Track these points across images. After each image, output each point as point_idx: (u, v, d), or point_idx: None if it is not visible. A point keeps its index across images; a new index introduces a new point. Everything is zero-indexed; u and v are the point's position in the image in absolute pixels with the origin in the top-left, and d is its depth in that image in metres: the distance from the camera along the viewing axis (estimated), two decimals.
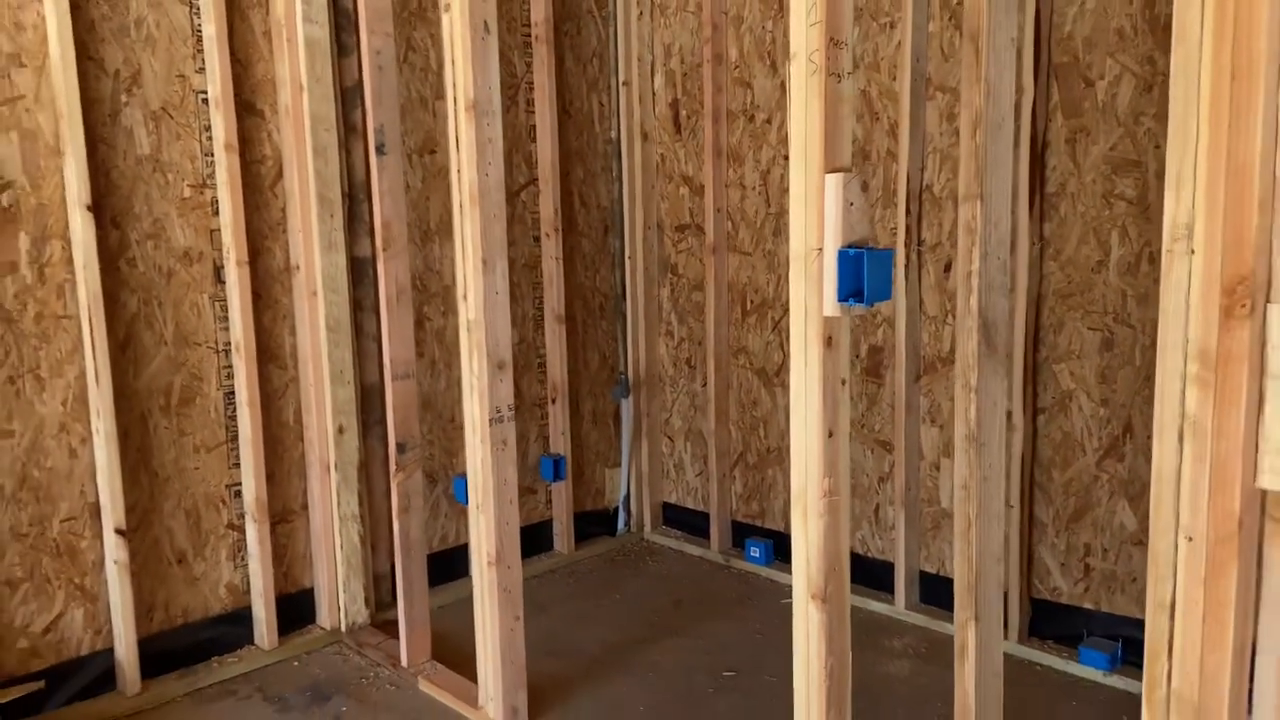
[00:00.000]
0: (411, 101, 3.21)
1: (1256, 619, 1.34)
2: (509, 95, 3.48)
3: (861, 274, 1.65)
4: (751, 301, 3.59)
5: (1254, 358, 1.24)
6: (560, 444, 3.67)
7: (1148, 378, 2.62)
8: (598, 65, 3.74)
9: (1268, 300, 1.24)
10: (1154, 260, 2.59)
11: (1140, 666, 2.65)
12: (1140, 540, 2.68)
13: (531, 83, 3.52)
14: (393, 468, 2.80)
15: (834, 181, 1.65)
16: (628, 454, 3.92)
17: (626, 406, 3.90)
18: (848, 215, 1.66)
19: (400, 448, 2.79)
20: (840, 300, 1.68)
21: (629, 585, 3.49)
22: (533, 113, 3.53)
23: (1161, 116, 2.53)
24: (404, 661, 2.82)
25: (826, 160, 1.66)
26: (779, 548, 3.54)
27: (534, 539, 3.69)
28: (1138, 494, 2.68)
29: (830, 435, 1.74)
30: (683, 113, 3.71)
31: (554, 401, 3.66)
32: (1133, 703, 2.57)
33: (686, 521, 3.90)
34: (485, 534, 2.48)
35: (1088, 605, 2.80)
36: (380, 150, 2.70)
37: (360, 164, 3.03)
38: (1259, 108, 1.20)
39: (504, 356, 2.45)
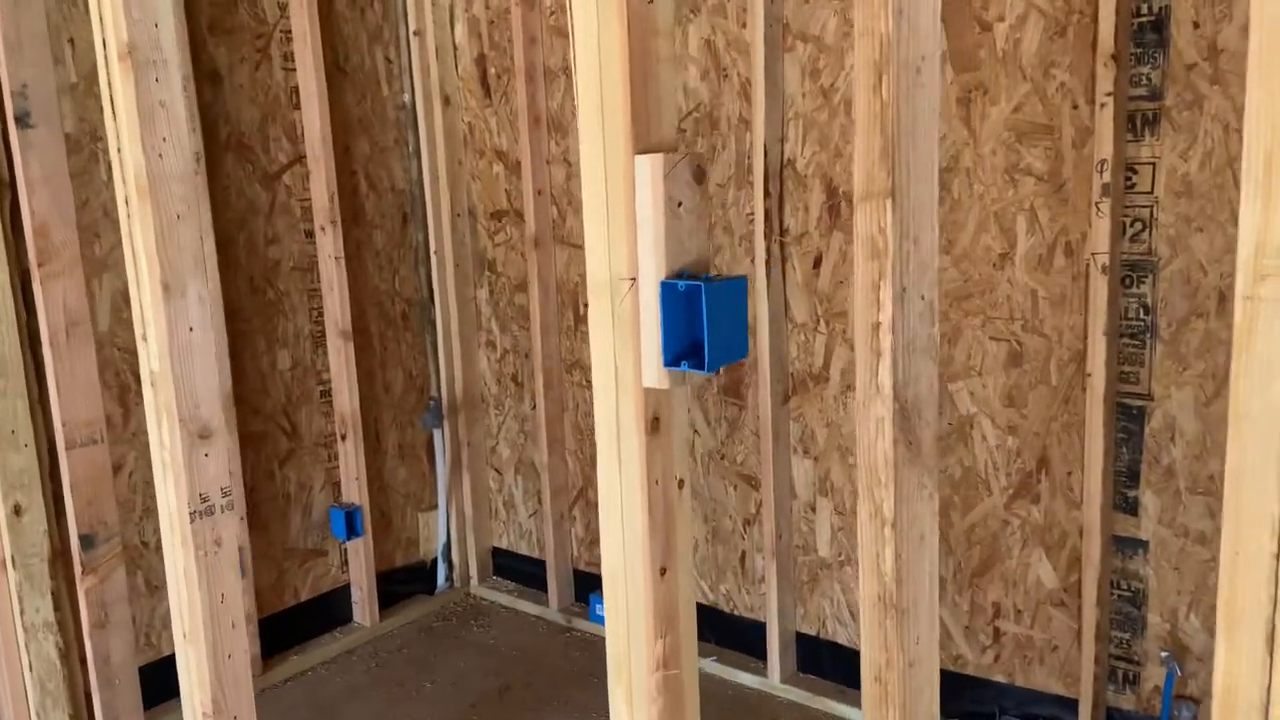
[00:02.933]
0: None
1: None
2: (258, 46, 2.67)
3: (700, 320, 1.00)
4: (585, 305, 2.92)
5: None
6: (355, 490, 2.92)
7: (1066, 400, 2.10)
8: (380, 10, 2.96)
9: None
10: (1070, 252, 2.06)
11: None
12: (1061, 601, 2.16)
13: (289, 31, 2.72)
14: (78, 569, 2.01)
15: (649, 167, 0.99)
16: (445, 493, 3.20)
17: (441, 436, 3.18)
18: (674, 224, 1.00)
19: (87, 541, 2.00)
20: (668, 364, 1.02)
21: (447, 665, 2.79)
22: (293, 69, 2.74)
23: (1078, 68, 1.98)
24: None
25: (636, 133, 1.00)
26: None
27: (327, 612, 2.94)
28: (1056, 543, 2.16)
29: (664, 573, 1.10)
30: (491, 70, 2.98)
31: (344, 438, 2.91)
32: None
33: (521, 570, 3.23)
34: (196, 675, 1.73)
35: (999, 678, 2.28)
36: (24, 121, 1.88)
37: None
38: None
39: (208, 420, 1.69)
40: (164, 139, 1.60)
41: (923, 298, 0.88)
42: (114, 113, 1.61)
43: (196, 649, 1.72)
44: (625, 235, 1.03)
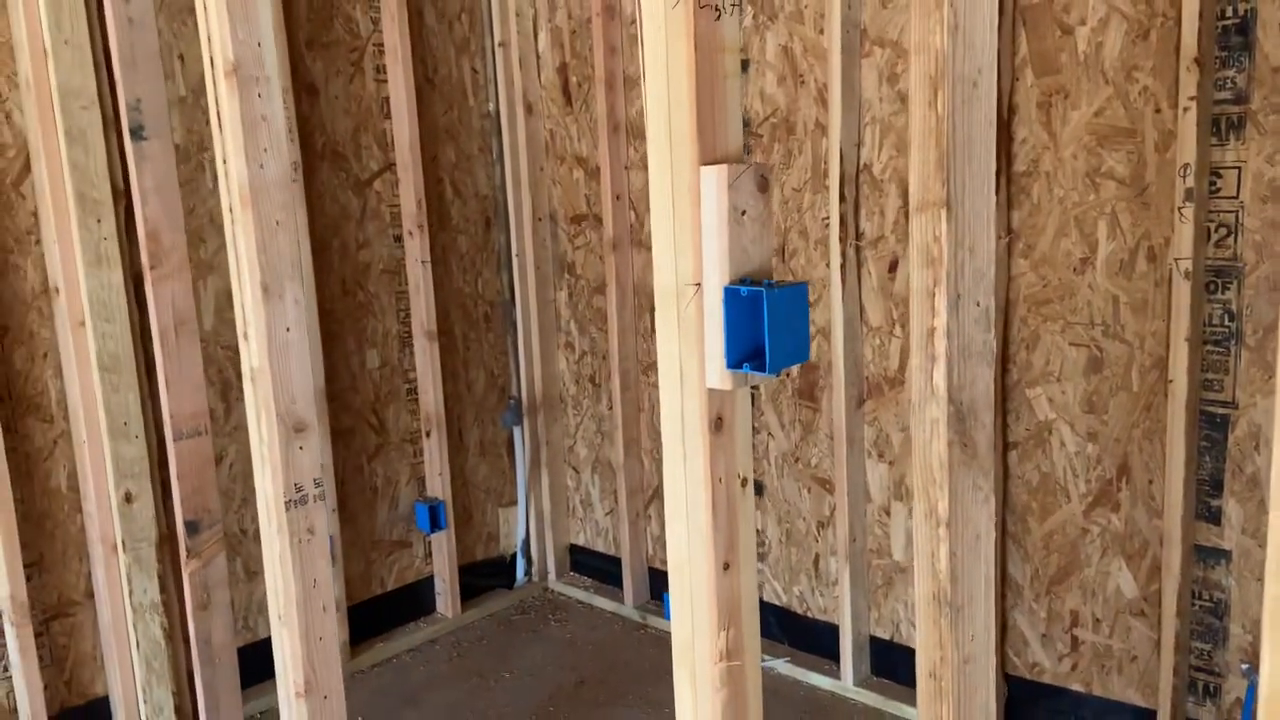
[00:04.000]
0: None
1: None
2: (352, 60, 2.80)
3: (761, 325, 1.04)
4: None
5: None
6: (438, 486, 3.03)
7: (1148, 407, 2.06)
8: (467, 22, 3.07)
9: None
10: (1153, 257, 2.02)
11: None
12: (1141, 610, 2.13)
13: (381, 44, 2.84)
14: (183, 554, 2.14)
15: (714, 179, 1.04)
16: (525, 490, 3.30)
17: (521, 434, 3.27)
18: (738, 232, 1.05)
19: (192, 527, 2.14)
20: (730, 366, 1.07)
21: (525, 657, 2.88)
22: (385, 81, 2.86)
23: (1161, 72, 1.95)
24: None
25: (702, 145, 1.05)
26: None
27: (411, 602, 3.06)
28: (1136, 552, 2.12)
29: (726, 568, 1.14)
30: (573, 79, 3.06)
31: (429, 435, 3.02)
32: None
33: (597, 567, 3.30)
34: (290, 656, 1.83)
35: (1076, 687, 2.25)
36: (138, 134, 2.02)
37: None
38: None
39: (304, 415, 1.80)
40: (265, 150, 1.71)
41: (978, 304, 0.91)
42: (220, 126, 1.72)
43: (290, 631, 1.83)
44: (691, 243, 1.08)
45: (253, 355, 1.77)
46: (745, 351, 1.07)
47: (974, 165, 0.88)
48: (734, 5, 1.06)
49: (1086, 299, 2.12)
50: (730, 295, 1.05)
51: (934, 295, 0.88)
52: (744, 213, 1.05)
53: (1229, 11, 1.84)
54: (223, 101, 1.70)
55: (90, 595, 2.41)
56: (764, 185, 1.07)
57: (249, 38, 1.67)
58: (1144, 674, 2.14)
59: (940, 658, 0.92)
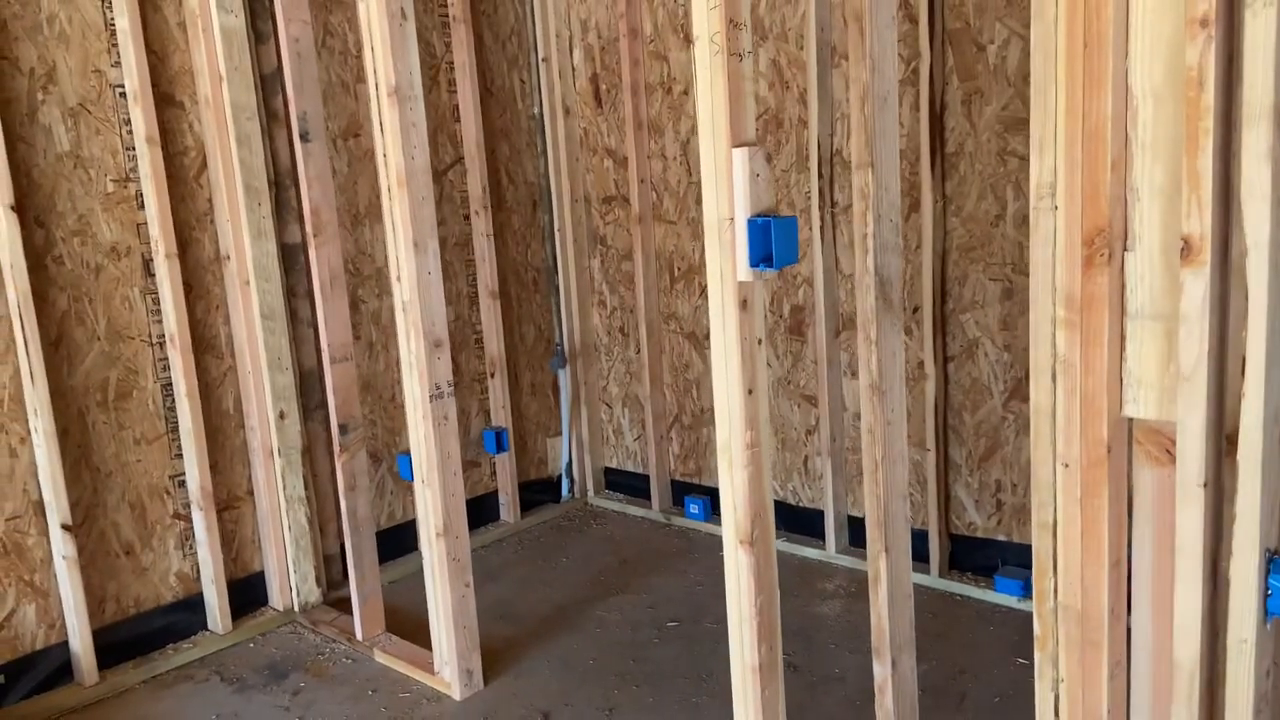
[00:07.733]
0: (332, 86, 3.24)
1: (1131, 534, 1.52)
2: (430, 76, 3.52)
3: (769, 240, 1.77)
4: (679, 268, 3.71)
5: (1114, 300, 1.39)
6: (501, 417, 3.76)
7: None
8: (516, 43, 3.79)
9: (1125, 249, 1.40)
10: None
11: None
12: None
13: (452, 62, 3.56)
14: (337, 449, 2.87)
15: (741, 155, 1.77)
16: (568, 422, 4.03)
17: (564, 376, 4.01)
18: (755, 186, 1.78)
19: (343, 429, 2.86)
20: (752, 266, 1.80)
21: (575, 548, 3.62)
22: (455, 92, 3.58)
23: None
24: (359, 635, 2.90)
25: (733, 135, 1.78)
26: (716, 503, 3.69)
27: (480, 510, 3.79)
28: None
29: (750, 392, 1.87)
30: (602, 87, 3.79)
31: (493, 375, 3.75)
32: None
33: (628, 484, 4.04)
34: (432, 507, 2.57)
35: (1001, 537, 3.00)
36: (304, 138, 2.74)
37: (285, 151, 3.06)
38: (1109, 74, 1.35)
39: (440, 335, 2.53)
40: (415, 147, 2.44)
41: (891, 220, 1.63)
42: (381, 130, 2.45)
43: (432, 489, 2.56)
44: (727, 194, 1.81)
45: (404, 291, 2.50)
46: (760, 257, 1.80)
47: (885, 144, 1.60)
48: (749, 52, 1.79)
49: (1000, 245, 2.87)
50: (751, 224, 1.78)
51: (865, 215, 1.61)
52: (758, 175, 1.78)
53: None
54: (385, 112, 2.43)
55: (250, 493, 3.13)
56: (769, 159, 1.81)
57: (404, 68, 2.40)
58: None
59: (874, 420, 1.64)
